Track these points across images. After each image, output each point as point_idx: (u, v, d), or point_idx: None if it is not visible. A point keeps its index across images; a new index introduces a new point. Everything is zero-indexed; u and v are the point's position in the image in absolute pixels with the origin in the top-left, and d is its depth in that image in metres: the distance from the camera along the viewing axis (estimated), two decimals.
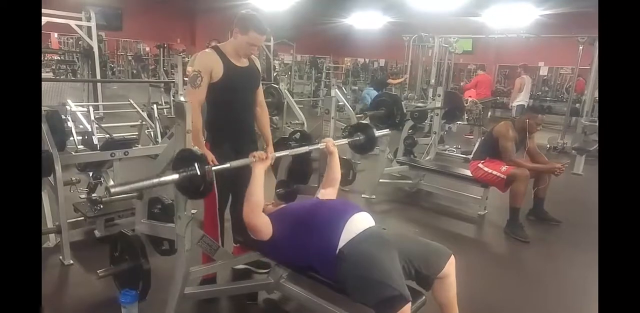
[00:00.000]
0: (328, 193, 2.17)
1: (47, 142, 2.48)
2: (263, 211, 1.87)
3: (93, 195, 2.89)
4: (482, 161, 3.69)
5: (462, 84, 10.59)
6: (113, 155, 2.86)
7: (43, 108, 2.60)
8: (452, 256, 1.77)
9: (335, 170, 2.22)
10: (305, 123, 5.54)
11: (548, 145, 7.04)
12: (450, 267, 1.76)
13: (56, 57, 12.41)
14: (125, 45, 16.99)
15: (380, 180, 4.28)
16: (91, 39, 7.62)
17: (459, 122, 7.17)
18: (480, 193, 3.86)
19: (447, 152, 6.39)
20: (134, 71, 15.50)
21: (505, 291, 2.66)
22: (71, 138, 3.87)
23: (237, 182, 2.16)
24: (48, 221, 2.72)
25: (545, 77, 12.10)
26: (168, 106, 5.85)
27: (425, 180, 4.41)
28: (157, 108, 5.11)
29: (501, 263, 3.11)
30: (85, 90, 7.79)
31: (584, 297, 2.58)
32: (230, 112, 2.25)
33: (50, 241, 2.79)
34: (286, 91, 5.85)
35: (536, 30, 8.91)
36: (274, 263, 2.13)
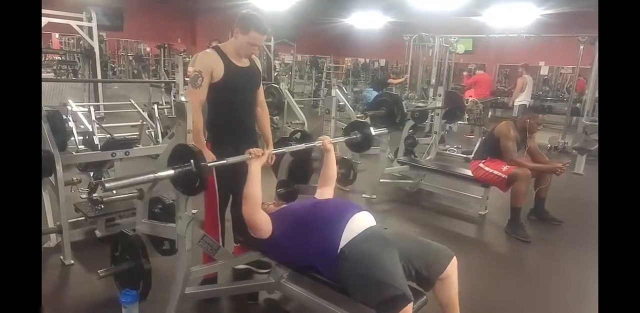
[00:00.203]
0: (325, 191, 2.17)
1: (48, 142, 2.49)
2: (264, 211, 1.88)
3: (94, 195, 2.89)
4: (483, 161, 3.68)
5: (464, 73, 10.54)
6: (114, 155, 2.87)
7: (44, 108, 2.60)
8: (454, 257, 1.77)
9: (332, 168, 2.22)
10: (305, 123, 5.54)
11: (549, 145, 7.04)
12: (452, 268, 1.75)
13: (57, 58, 12.45)
14: (126, 45, 17.00)
15: (381, 180, 4.28)
16: (92, 39, 7.63)
17: (459, 122, 7.16)
18: (481, 193, 3.86)
19: (447, 151, 6.38)
20: (135, 71, 15.52)
21: (506, 291, 2.66)
22: (72, 138, 3.89)
23: (237, 182, 2.15)
24: (49, 221, 2.72)
25: (545, 77, 12.09)
26: (169, 106, 5.86)
27: (426, 180, 4.41)
28: (158, 108, 5.11)
29: (502, 263, 3.11)
30: (86, 91, 7.80)
31: (585, 297, 2.57)
32: (231, 112, 2.25)
33: (51, 241, 2.79)
34: (287, 91, 5.86)
35: (537, 29, 8.91)
36: (275, 263, 2.13)
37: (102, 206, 2.86)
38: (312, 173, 2.70)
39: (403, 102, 4.76)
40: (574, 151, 5.89)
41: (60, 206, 2.54)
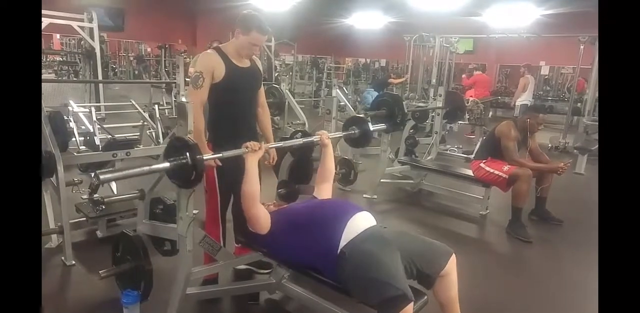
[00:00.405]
0: (323, 188, 2.17)
1: (50, 142, 2.49)
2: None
3: (95, 195, 2.89)
4: (483, 161, 3.68)
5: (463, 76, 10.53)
6: (115, 155, 2.87)
7: (45, 109, 2.61)
8: (453, 254, 1.77)
9: (329, 163, 2.22)
10: (306, 123, 5.54)
11: (550, 145, 7.03)
12: (451, 266, 1.76)
13: (58, 58, 12.46)
14: (127, 46, 17.02)
15: (382, 180, 4.27)
16: (93, 40, 7.63)
17: (460, 122, 7.16)
18: (482, 193, 3.86)
19: (448, 151, 6.37)
20: (136, 72, 15.56)
21: (507, 291, 2.66)
22: (73, 139, 3.88)
23: (238, 182, 2.16)
24: (50, 222, 2.72)
25: (546, 77, 12.08)
26: (170, 106, 5.86)
27: (427, 180, 4.41)
28: (159, 108, 5.11)
29: (503, 263, 3.11)
30: (87, 91, 7.80)
31: (586, 297, 2.57)
32: (232, 113, 2.26)
33: (52, 242, 2.79)
34: (287, 91, 5.86)
35: (537, 29, 8.89)
36: (276, 263, 2.14)
37: (103, 207, 2.86)
38: (312, 174, 2.70)
39: (404, 102, 4.76)
40: (575, 151, 5.89)
41: (61, 207, 2.55)
